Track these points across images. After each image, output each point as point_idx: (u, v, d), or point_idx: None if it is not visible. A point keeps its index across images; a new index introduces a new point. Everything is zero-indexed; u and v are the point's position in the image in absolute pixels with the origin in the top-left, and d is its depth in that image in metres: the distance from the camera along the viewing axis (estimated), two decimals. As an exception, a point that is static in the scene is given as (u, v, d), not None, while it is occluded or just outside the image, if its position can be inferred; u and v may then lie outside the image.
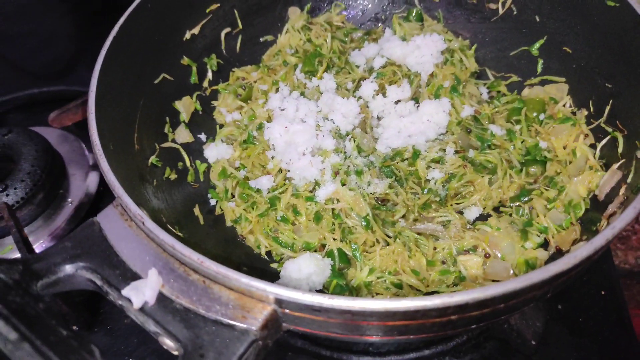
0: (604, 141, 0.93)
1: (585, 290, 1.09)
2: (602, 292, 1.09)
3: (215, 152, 1.07)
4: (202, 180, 1.07)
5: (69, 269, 0.69)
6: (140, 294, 0.65)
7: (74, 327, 1.05)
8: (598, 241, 0.62)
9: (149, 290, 0.65)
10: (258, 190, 0.99)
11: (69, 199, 1.26)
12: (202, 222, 0.99)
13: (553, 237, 0.89)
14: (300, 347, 1.02)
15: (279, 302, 0.63)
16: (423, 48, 1.09)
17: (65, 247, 0.71)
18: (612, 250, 1.32)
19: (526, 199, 0.96)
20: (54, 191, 1.24)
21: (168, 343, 0.64)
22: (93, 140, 0.79)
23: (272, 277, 0.92)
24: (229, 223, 1.01)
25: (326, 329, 0.67)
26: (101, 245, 0.71)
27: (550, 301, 1.06)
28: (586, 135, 0.96)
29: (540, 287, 0.62)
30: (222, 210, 1.02)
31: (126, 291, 0.66)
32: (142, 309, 0.65)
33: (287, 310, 0.64)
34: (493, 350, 1.01)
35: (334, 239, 0.93)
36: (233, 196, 1.03)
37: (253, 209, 0.98)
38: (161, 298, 0.65)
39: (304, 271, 0.88)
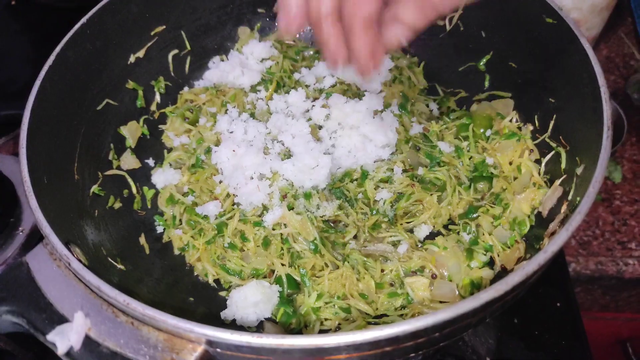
0: (548, 156, 0.93)
1: (540, 302, 1.09)
2: (558, 304, 1.09)
3: (163, 177, 1.05)
4: (149, 207, 1.04)
5: (-8, 313, 0.67)
6: (65, 339, 0.63)
7: (23, 364, 1.01)
8: (530, 267, 0.61)
9: (75, 335, 0.63)
10: (205, 217, 0.97)
11: (21, 228, 1.22)
12: (147, 251, 0.96)
13: (498, 256, 0.88)
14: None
15: (210, 342, 0.61)
16: (370, 66, 1.08)
17: (-11, 291, 0.68)
18: (573, 257, 1.33)
19: (474, 215, 0.96)
20: (5, 220, 1.20)
21: (96, 388, 0.62)
22: (23, 177, 0.77)
23: (220, 306, 0.90)
24: (176, 251, 0.99)
25: (262, 366, 0.66)
26: (28, 287, 0.69)
27: (506, 315, 1.06)
28: (531, 151, 0.96)
29: (474, 315, 0.61)
30: (169, 238, 0.99)
31: (51, 336, 0.63)
32: (68, 354, 0.63)
33: (219, 350, 0.62)
34: (450, 368, 1.01)
35: (283, 265, 0.91)
36: (181, 222, 1.01)
37: (200, 236, 0.96)
38: (87, 342, 0.63)
39: (251, 299, 0.86)
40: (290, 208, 0.95)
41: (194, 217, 0.98)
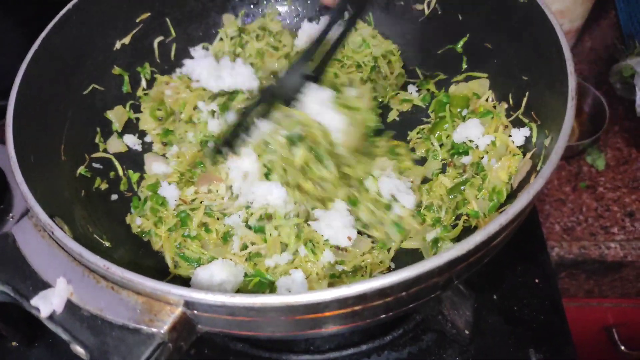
0: (521, 131, 0.96)
1: (520, 279, 1.12)
2: (536, 281, 1.12)
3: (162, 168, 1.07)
4: (135, 189, 1.07)
5: (-22, 282, 0.69)
6: (48, 303, 0.65)
7: (13, 344, 1.04)
8: (492, 227, 0.64)
9: (57, 299, 0.65)
10: (163, 203, 0.99)
11: (11, 214, 1.24)
12: (134, 230, 0.99)
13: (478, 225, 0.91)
14: (241, 350, 1.03)
15: (187, 303, 0.64)
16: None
17: (-25, 261, 0.71)
18: (557, 242, 1.36)
19: (463, 188, 0.97)
20: (-6, 205, 1.23)
21: (78, 350, 0.64)
22: (9, 153, 0.80)
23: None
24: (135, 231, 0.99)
25: (238, 328, 0.68)
26: (13, 256, 0.71)
27: (486, 291, 1.09)
28: (506, 127, 0.99)
29: (439, 274, 0.64)
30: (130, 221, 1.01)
31: (35, 300, 0.66)
32: (51, 318, 0.66)
33: (196, 312, 0.65)
34: (430, 342, 1.04)
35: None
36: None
37: (162, 224, 0.96)
38: (70, 306, 0.66)
39: (217, 278, 0.86)
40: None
41: (155, 203, 0.98)
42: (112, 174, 1.05)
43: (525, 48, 0.96)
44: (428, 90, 1.16)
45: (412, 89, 1.17)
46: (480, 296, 1.07)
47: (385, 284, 0.60)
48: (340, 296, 0.60)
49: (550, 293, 1.10)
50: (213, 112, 1.11)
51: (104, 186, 1.02)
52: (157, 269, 0.95)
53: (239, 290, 0.89)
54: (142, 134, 1.14)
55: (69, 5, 1.00)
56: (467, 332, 1.00)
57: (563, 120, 0.76)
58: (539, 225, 1.22)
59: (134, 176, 1.07)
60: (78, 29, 1.02)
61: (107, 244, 0.91)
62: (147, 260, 0.95)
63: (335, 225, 0.91)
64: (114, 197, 1.03)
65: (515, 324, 1.06)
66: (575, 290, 1.55)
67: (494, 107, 1.04)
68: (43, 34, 0.95)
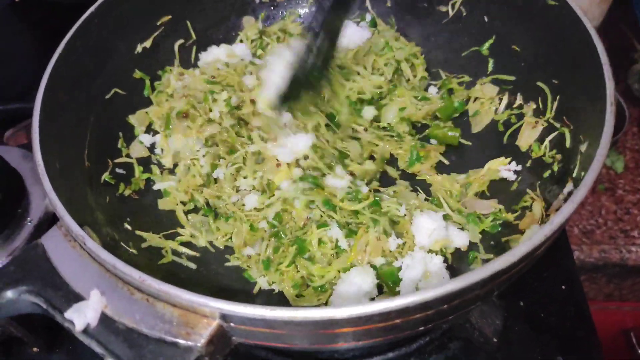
0: (551, 136, 0.95)
1: (545, 286, 1.10)
2: (562, 287, 1.10)
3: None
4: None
5: (10, 294, 0.68)
6: (82, 316, 0.64)
7: (34, 349, 1.03)
8: (537, 238, 0.62)
9: (91, 312, 0.64)
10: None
11: (29, 218, 1.23)
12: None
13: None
14: (264, 357, 1.01)
15: (224, 316, 0.62)
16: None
17: (6, 272, 0.69)
18: (577, 245, 1.34)
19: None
20: (13, 211, 1.22)
21: (114, 364, 0.63)
22: (36, 161, 0.78)
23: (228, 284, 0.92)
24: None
25: (276, 340, 0.67)
26: (44, 267, 0.70)
27: (512, 298, 1.07)
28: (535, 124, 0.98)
29: (482, 286, 0.62)
30: None
31: (69, 314, 0.65)
32: (85, 331, 0.64)
33: (232, 324, 0.63)
34: (457, 350, 1.02)
35: None
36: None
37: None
38: (104, 319, 0.64)
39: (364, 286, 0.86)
40: None
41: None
42: (134, 179, 1.04)
43: (556, 51, 0.95)
44: (449, 89, 1.14)
45: (432, 90, 1.15)
46: (507, 303, 1.06)
47: (428, 297, 0.59)
48: (384, 309, 0.58)
49: (576, 299, 1.08)
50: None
51: (127, 192, 1.00)
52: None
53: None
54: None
55: (92, 8, 0.99)
56: (495, 340, 0.99)
57: (601, 126, 0.74)
58: (564, 230, 1.20)
59: (143, 176, 1.04)
60: (99, 34, 1.01)
61: (133, 250, 0.90)
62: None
63: None
64: (138, 203, 1.01)
65: (542, 331, 1.05)
66: (595, 293, 1.53)
67: (521, 106, 1.03)
68: (67, 37, 0.94)
